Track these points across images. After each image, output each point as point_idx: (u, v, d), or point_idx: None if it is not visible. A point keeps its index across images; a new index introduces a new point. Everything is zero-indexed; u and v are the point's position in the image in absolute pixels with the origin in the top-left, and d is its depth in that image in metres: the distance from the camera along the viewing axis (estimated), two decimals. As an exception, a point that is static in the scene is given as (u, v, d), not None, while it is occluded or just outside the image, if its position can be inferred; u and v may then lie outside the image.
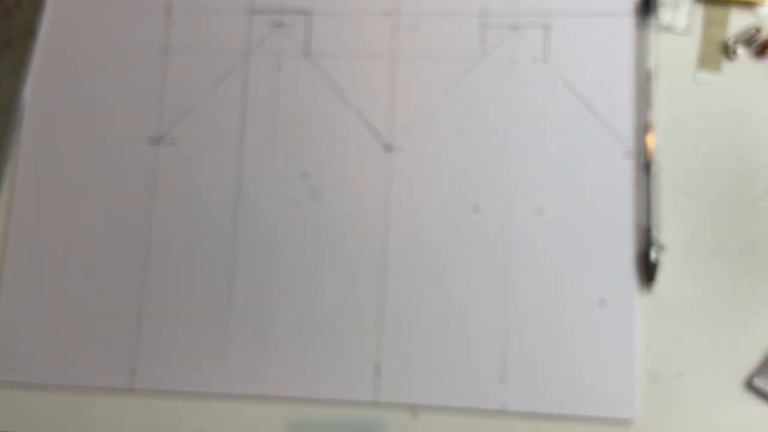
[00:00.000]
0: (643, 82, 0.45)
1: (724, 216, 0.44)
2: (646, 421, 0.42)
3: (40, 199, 0.47)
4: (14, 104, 0.48)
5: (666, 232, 0.44)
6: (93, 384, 0.45)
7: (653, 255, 0.43)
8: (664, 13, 0.46)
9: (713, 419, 0.42)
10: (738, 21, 0.46)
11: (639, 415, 0.42)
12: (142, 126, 0.47)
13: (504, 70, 0.46)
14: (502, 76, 0.46)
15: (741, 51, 0.45)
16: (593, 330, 0.43)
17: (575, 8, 0.46)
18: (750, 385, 0.42)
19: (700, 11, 0.46)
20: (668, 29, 0.46)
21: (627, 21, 0.46)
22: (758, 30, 0.45)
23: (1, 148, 0.48)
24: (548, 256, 0.44)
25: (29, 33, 0.49)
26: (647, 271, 0.43)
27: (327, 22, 0.48)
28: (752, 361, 0.42)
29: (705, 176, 0.45)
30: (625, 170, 0.44)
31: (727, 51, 0.45)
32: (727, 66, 0.46)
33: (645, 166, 0.44)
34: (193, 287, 0.45)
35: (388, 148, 0.46)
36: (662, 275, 0.43)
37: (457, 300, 0.44)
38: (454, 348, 0.44)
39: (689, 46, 0.46)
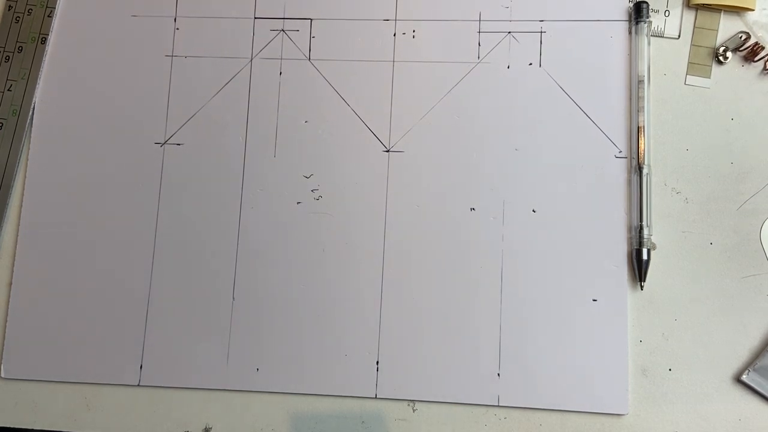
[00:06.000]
0: (635, 86, 0.45)
1: (713, 216, 0.45)
2: (638, 415, 0.43)
3: (50, 202, 0.48)
4: (25, 108, 0.49)
5: (657, 232, 0.45)
6: (102, 381, 0.46)
7: (644, 254, 0.44)
8: (656, 19, 0.47)
9: (703, 413, 0.43)
10: (727, 27, 0.47)
11: (630, 410, 0.43)
12: (149, 128, 0.48)
13: (500, 74, 0.47)
14: (498, 80, 0.47)
15: (730, 56, 0.46)
16: (586, 327, 0.44)
17: (569, 14, 0.47)
18: (739, 380, 0.43)
19: (690, 17, 0.47)
20: (659, 35, 0.47)
21: (619, 27, 0.47)
22: (747, 36, 0.46)
23: (13, 150, 0.48)
24: (543, 254, 0.45)
25: (40, 38, 0.49)
26: (639, 269, 0.44)
27: (328, 27, 0.48)
28: (741, 356, 0.43)
29: (695, 178, 0.45)
30: (618, 171, 0.45)
31: (717, 56, 0.46)
32: (717, 71, 0.46)
33: (637, 167, 0.45)
34: (198, 287, 0.46)
35: (388, 149, 0.47)
36: (653, 273, 0.44)
37: (453, 298, 0.45)
38: (451, 345, 0.44)
39: (680, 52, 0.47)
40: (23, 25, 0.50)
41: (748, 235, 0.45)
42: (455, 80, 0.47)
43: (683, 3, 0.47)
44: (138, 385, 0.45)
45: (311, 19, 0.49)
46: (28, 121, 0.49)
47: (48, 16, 0.50)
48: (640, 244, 0.44)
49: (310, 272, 0.46)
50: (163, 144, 0.48)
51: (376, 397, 0.44)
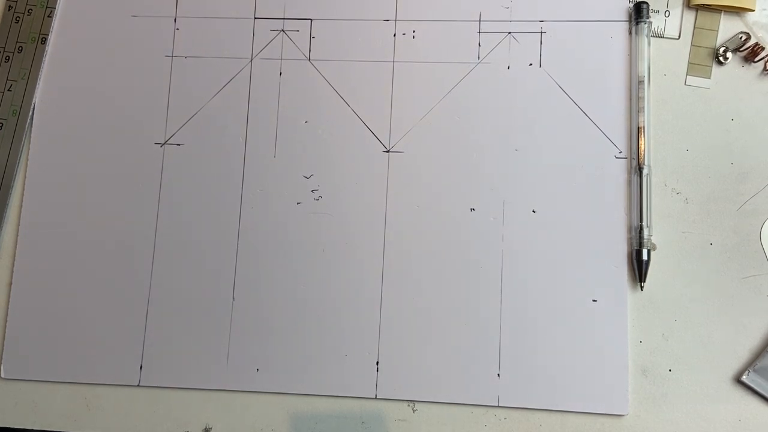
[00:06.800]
0: (635, 87, 0.45)
1: (713, 216, 0.45)
2: (638, 415, 0.43)
3: (50, 202, 0.48)
4: (25, 108, 0.49)
5: (657, 232, 0.45)
6: (102, 381, 0.46)
7: (644, 254, 0.44)
8: (656, 20, 0.47)
9: (703, 414, 0.43)
10: (727, 27, 0.47)
11: (630, 410, 0.43)
12: (149, 128, 0.48)
13: (500, 75, 0.47)
14: (498, 81, 0.47)
15: (730, 57, 0.46)
16: (586, 327, 0.44)
17: (569, 15, 0.47)
18: (739, 381, 0.43)
19: (690, 18, 0.47)
20: (660, 35, 0.47)
21: (619, 27, 0.47)
22: (747, 36, 0.46)
23: (13, 150, 0.48)
24: (543, 255, 0.45)
25: (40, 38, 0.49)
26: (639, 269, 0.44)
27: (328, 27, 0.48)
28: (741, 356, 0.43)
29: (695, 178, 0.45)
30: (618, 172, 0.45)
31: (717, 57, 0.46)
32: (717, 71, 0.46)
33: (637, 168, 0.44)
34: (198, 287, 0.46)
35: (388, 149, 0.47)
36: (653, 274, 0.44)
37: (453, 298, 0.45)
38: (451, 345, 0.44)
39: (680, 52, 0.47)
40: (23, 25, 0.50)
41: (748, 235, 0.45)
42: (455, 80, 0.47)
43: (683, 3, 0.47)
44: (138, 385, 0.45)
45: (311, 19, 0.49)
46: (28, 121, 0.49)
47: (48, 16, 0.50)
48: (640, 244, 0.44)
49: (310, 272, 0.46)
50: (163, 144, 0.48)
51: (376, 398, 0.44)
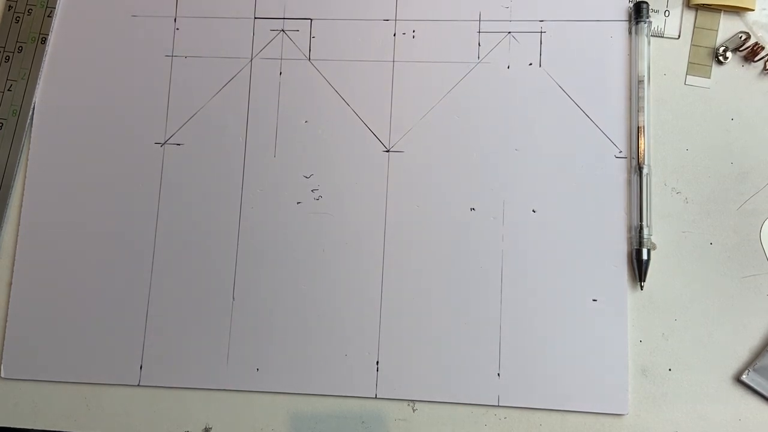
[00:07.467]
0: (635, 86, 0.45)
1: (713, 216, 0.45)
2: (638, 415, 0.43)
3: (50, 202, 0.48)
4: (25, 108, 0.49)
5: (657, 232, 0.45)
6: (102, 381, 0.46)
7: (644, 254, 0.44)
8: (656, 20, 0.47)
9: (703, 414, 0.43)
10: (727, 27, 0.47)
11: (630, 410, 0.43)
12: (149, 129, 0.48)
13: (500, 74, 0.47)
14: (498, 80, 0.47)
15: (730, 56, 0.46)
16: (586, 327, 0.44)
17: (569, 14, 0.47)
18: (738, 380, 0.43)
19: (690, 17, 0.47)
20: (659, 35, 0.47)
21: (619, 27, 0.47)
22: (747, 36, 0.46)
23: (13, 150, 0.48)
24: (543, 255, 0.45)
25: (40, 38, 0.49)
26: (639, 269, 0.44)
27: (328, 27, 0.48)
28: (740, 356, 0.43)
29: (695, 178, 0.45)
30: (618, 172, 0.45)
31: (717, 56, 0.46)
32: (717, 71, 0.46)
33: (637, 167, 0.45)
34: (198, 287, 0.46)
35: (388, 149, 0.47)
36: (653, 273, 0.44)
37: (453, 298, 0.45)
38: (451, 345, 0.44)
39: (680, 52, 0.47)
40: (23, 25, 0.50)
41: (748, 235, 0.45)
42: (455, 80, 0.47)
43: (683, 3, 0.47)
44: (138, 385, 0.45)
45: (311, 19, 0.49)
46: (28, 121, 0.49)
47: (48, 16, 0.50)
48: (640, 244, 0.44)
49: (310, 272, 0.46)
50: (163, 144, 0.48)
51: (376, 397, 0.44)
